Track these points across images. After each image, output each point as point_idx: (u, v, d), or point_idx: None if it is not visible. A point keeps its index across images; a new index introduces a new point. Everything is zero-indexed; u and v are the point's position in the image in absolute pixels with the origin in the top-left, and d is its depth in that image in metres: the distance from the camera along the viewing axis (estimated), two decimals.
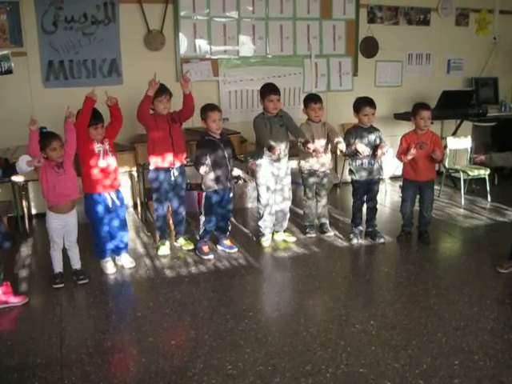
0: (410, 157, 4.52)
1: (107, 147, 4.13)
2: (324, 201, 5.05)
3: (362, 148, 4.54)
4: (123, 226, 4.35)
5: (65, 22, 5.47)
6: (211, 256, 4.53)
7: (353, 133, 4.65)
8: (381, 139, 4.67)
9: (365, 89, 6.28)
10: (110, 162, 4.15)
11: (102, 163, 4.10)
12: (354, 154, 4.63)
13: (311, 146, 4.43)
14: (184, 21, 5.95)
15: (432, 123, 4.62)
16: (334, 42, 6.73)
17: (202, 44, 6.10)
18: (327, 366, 2.90)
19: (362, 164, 4.66)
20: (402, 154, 4.62)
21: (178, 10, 5.89)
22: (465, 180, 6.13)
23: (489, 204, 6.03)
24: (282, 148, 4.57)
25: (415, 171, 4.65)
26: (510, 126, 6.64)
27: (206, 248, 4.58)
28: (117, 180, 4.25)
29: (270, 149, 4.39)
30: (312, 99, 4.78)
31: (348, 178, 6.73)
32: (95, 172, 4.09)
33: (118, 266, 4.37)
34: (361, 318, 3.44)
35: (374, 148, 4.64)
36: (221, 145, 4.38)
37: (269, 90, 4.59)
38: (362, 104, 4.61)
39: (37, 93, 5.50)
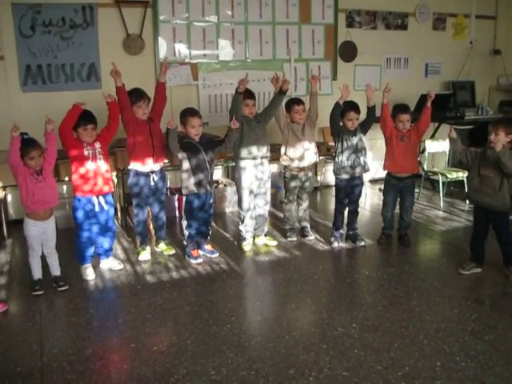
0: (385, 99, 4.60)
1: (98, 150, 4.10)
2: (305, 204, 5.07)
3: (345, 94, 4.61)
4: (108, 231, 4.32)
5: (43, 26, 5.42)
6: (201, 260, 4.52)
7: (338, 133, 4.68)
8: (363, 141, 4.70)
9: None
10: (99, 165, 4.11)
11: (90, 166, 4.06)
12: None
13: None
14: (163, 25, 5.94)
15: (411, 126, 4.67)
16: (313, 47, 6.77)
17: (182, 48, 6.09)
18: (310, 370, 2.90)
19: (346, 167, 4.67)
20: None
21: (157, 14, 5.87)
22: (443, 182, 6.20)
23: (467, 206, 6.10)
24: (263, 151, 4.60)
25: (396, 164, 4.69)
26: (487, 129, 6.71)
27: (194, 252, 4.56)
28: (106, 185, 4.20)
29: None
30: (295, 102, 4.77)
31: (328, 181, 6.82)
32: (83, 175, 4.06)
33: (103, 269, 4.36)
34: (343, 321, 3.45)
35: (359, 151, 4.68)
36: (200, 148, 4.37)
37: (244, 95, 4.59)
38: (347, 109, 4.62)
39: (15, 97, 5.43)
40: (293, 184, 4.90)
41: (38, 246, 3.90)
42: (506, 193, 3.96)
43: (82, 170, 4.04)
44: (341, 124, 4.67)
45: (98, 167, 4.10)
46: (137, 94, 4.35)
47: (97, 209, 4.15)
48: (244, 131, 4.56)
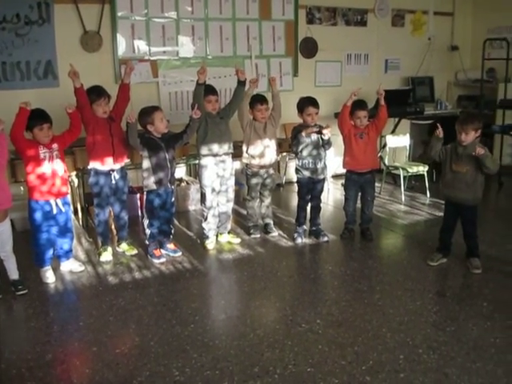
0: (350, 101, 4.63)
1: (55, 152, 3.99)
2: (268, 201, 5.06)
3: (310, 129, 4.62)
4: (67, 232, 4.22)
5: None
6: (164, 259, 4.47)
7: (300, 130, 4.67)
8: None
9: (305, 89, 6.33)
10: (56, 167, 4.01)
11: (46, 169, 3.95)
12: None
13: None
14: (122, 21, 5.84)
15: (369, 121, 4.70)
16: (273, 43, 6.77)
17: (141, 45, 6.01)
18: (275, 367, 2.90)
19: (307, 163, 4.68)
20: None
21: (116, 11, 5.77)
22: (404, 177, 6.27)
23: (428, 200, 6.20)
24: (225, 147, 4.57)
25: (357, 161, 4.73)
26: (446, 123, 6.82)
27: (157, 252, 4.51)
28: (63, 186, 4.10)
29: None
30: (258, 100, 4.74)
31: (290, 177, 6.83)
32: (38, 178, 3.94)
33: (63, 271, 4.26)
34: (307, 317, 3.46)
35: (319, 147, 4.68)
36: (162, 145, 4.31)
37: (207, 91, 4.55)
38: (306, 104, 4.65)
39: None
40: (254, 181, 4.88)
41: None
42: (479, 187, 4.06)
43: (38, 173, 3.93)
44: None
45: (55, 169, 4.00)
46: (97, 92, 4.26)
47: (54, 211, 4.06)
48: (208, 127, 4.53)
